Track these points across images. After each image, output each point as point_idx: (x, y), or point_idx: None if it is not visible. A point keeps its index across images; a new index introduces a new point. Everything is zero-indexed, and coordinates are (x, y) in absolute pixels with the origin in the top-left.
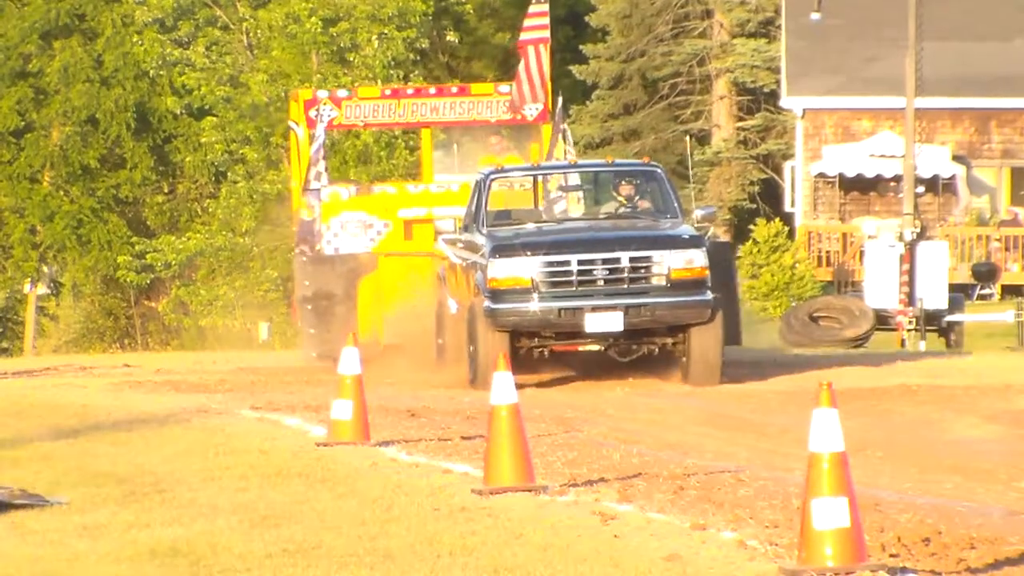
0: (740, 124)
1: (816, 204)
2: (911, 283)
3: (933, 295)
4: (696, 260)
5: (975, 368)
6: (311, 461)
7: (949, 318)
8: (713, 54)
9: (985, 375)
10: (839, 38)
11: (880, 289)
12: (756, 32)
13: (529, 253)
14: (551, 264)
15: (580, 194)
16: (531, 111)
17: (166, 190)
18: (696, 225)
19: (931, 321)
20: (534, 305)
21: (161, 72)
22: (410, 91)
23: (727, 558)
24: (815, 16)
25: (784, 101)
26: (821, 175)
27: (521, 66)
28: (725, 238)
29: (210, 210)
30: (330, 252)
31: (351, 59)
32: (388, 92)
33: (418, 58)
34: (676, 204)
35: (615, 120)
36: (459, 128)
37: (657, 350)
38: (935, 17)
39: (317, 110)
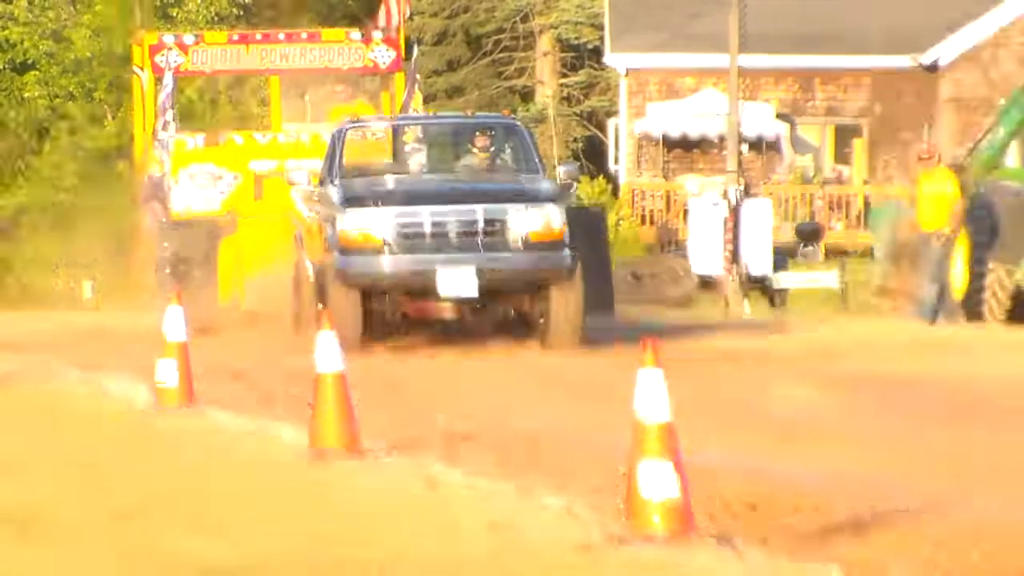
0: (564, 81)
1: (640, 162)
2: (735, 242)
3: (757, 255)
4: (554, 217)
5: (799, 331)
6: (137, 425)
7: (773, 279)
8: (537, 10)
9: (809, 339)
10: None
11: (704, 249)
12: None
13: (381, 204)
14: (404, 216)
15: (433, 147)
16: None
17: None
18: (560, 183)
19: (755, 281)
20: (386, 261)
21: None
22: (259, 36)
23: (553, 523)
24: None
25: (608, 58)
26: (645, 133)
27: None
28: None
29: (33, 167)
30: (180, 208)
31: (174, 15)
32: (236, 37)
33: (241, 13)
34: (537, 160)
35: (438, 76)
36: (308, 75)
37: (513, 312)
38: None
39: (164, 55)
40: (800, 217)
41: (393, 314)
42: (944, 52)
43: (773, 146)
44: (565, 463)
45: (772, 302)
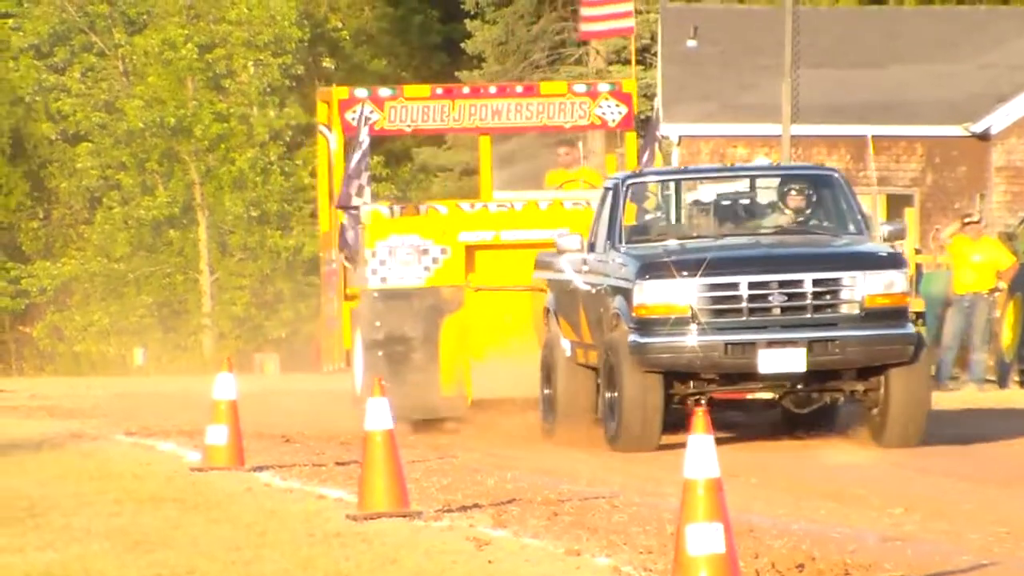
0: (617, 151)
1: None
2: None
3: None
4: (897, 284)
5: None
6: (185, 486)
7: None
8: (588, 80)
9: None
10: (714, 65)
11: None
12: (631, 59)
13: (686, 273)
14: (715, 287)
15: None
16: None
17: (41, 215)
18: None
19: None
20: (692, 339)
21: (37, 98)
22: (466, 90)
23: None
24: (691, 43)
25: (661, 128)
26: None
27: None
28: None
29: (85, 236)
30: (376, 283)
31: (226, 85)
32: (440, 91)
33: (294, 84)
34: (860, 217)
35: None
36: (521, 136)
37: (842, 399)
38: (809, 44)
39: (356, 112)
40: None
41: (697, 400)
42: (996, 121)
43: None
44: (613, 524)
45: None
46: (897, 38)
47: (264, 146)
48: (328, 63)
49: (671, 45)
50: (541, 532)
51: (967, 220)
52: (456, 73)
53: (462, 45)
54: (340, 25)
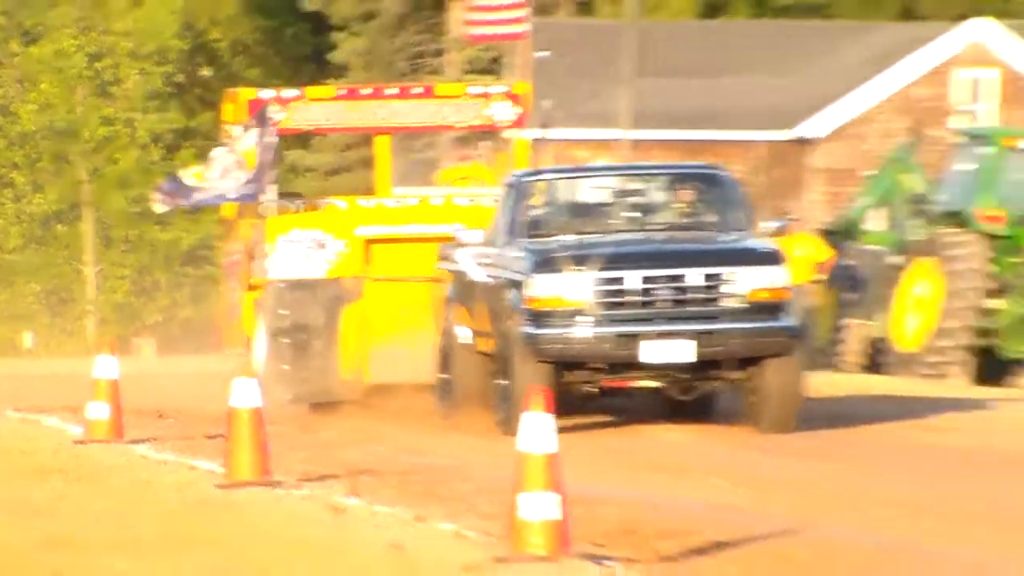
0: (468, 153)
1: None
2: None
3: None
4: (779, 279)
5: None
6: (69, 458)
7: None
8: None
9: None
10: (563, 75)
11: None
12: (486, 69)
13: (579, 267)
14: (607, 281)
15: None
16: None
17: None
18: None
19: None
20: (585, 330)
21: None
22: (368, 91)
23: (445, 546)
24: (541, 54)
25: (508, 132)
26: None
27: None
28: None
29: None
30: (278, 276)
31: (113, 92)
32: (343, 92)
33: (175, 91)
34: (745, 215)
35: (351, 150)
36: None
37: (723, 387)
38: (651, 56)
39: (262, 112)
40: None
41: (587, 389)
42: (817, 127)
43: None
44: (459, 493)
45: None
46: (729, 50)
47: (147, 148)
48: (206, 71)
49: (523, 55)
50: (392, 500)
51: (787, 219)
52: (323, 82)
53: (327, 56)
54: (220, 37)
